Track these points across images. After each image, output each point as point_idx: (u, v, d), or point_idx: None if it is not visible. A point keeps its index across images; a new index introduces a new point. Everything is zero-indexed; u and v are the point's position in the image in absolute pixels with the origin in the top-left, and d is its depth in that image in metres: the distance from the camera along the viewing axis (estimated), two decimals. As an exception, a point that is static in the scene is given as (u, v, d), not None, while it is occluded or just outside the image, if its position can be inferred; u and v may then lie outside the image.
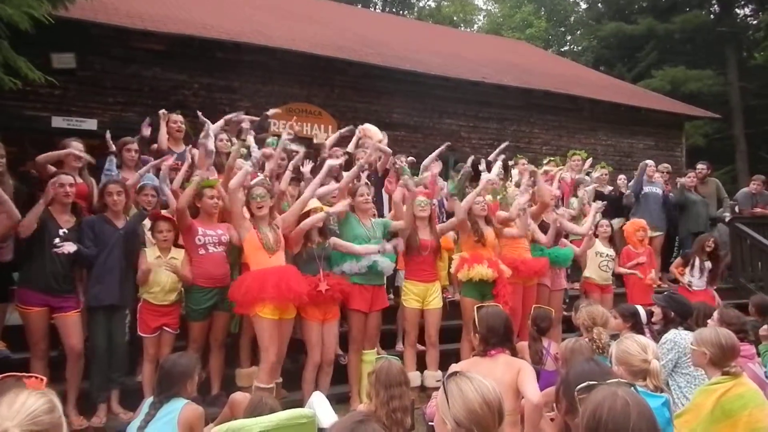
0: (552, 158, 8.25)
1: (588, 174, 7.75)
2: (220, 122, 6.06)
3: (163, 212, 4.93)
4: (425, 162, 6.58)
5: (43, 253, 4.37)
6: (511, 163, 7.67)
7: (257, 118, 6.57)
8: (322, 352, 4.82)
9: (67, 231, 4.45)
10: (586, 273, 6.76)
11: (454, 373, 1.94)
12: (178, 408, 3.16)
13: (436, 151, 6.64)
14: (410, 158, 6.64)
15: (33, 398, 1.60)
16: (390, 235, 5.36)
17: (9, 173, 4.64)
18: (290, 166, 5.15)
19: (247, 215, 4.65)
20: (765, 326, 4.90)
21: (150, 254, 4.66)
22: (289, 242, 4.78)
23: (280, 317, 4.47)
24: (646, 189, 8.37)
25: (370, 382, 3.13)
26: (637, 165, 8.88)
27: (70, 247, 4.37)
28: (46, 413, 1.58)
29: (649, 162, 8.64)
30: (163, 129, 5.94)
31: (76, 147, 5.13)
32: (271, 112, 6.78)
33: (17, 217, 4.20)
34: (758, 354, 4.56)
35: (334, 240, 5.00)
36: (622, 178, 9.19)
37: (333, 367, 4.96)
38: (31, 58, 5.98)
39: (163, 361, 3.61)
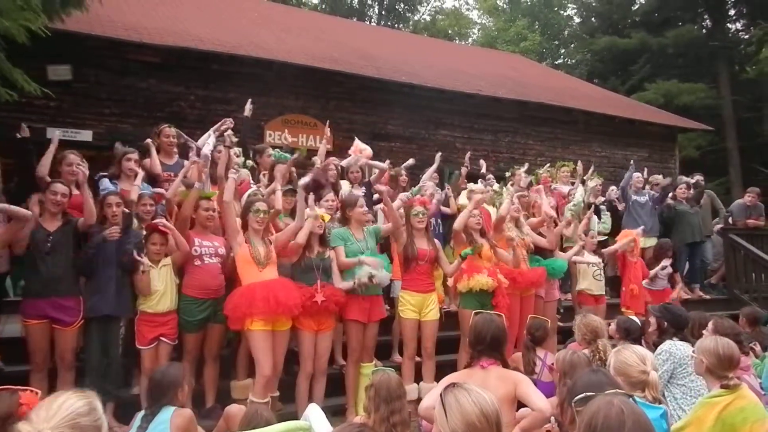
0: (548, 168, 8.27)
1: (583, 182, 7.76)
2: (211, 134, 6.05)
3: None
4: (425, 177, 6.76)
5: (36, 259, 4.40)
6: (507, 174, 7.70)
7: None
8: (315, 362, 4.80)
9: (52, 234, 4.43)
10: (581, 285, 6.77)
11: (452, 385, 1.93)
12: (168, 417, 3.17)
13: (434, 166, 6.93)
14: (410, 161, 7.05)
15: (72, 400, 1.58)
16: (382, 240, 5.50)
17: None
18: (281, 179, 5.19)
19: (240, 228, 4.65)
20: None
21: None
22: (288, 252, 4.78)
23: (273, 329, 4.47)
24: (634, 197, 8.36)
25: (369, 396, 3.12)
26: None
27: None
28: (84, 415, 1.57)
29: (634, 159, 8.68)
30: (154, 154, 5.68)
31: (74, 160, 5.13)
32: (248, 107, 6.52)
33: (29, 215, 4.31)
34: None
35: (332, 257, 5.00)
36: (613, 189, 9.09)
37: (327, 378, 4.93)
38: (27, 70, 5.97)
39: (153, 373, 3.62)
